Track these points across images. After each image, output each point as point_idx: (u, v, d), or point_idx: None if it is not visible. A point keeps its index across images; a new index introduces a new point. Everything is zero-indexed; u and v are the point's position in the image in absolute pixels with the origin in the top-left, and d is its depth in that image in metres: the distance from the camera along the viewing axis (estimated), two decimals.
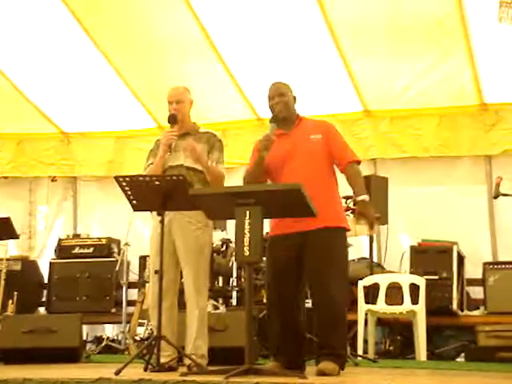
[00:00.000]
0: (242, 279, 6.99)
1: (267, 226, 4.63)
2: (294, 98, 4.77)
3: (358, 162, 4.73)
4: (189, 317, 4.78)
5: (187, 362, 4.67)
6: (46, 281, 8.34)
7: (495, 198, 6.23)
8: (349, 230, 4.73)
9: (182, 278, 4.91)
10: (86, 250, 8.23)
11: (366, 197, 4.58)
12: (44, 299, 8.34)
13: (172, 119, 4.94)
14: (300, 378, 3.89)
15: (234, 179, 7.44)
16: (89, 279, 8.07)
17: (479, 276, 7.26)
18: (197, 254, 4.80)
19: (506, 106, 7.52)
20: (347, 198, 6.19)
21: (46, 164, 8.91)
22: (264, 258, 4.73)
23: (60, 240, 8.41)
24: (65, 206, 9.13)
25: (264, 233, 4.23)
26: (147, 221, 7.14)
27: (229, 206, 4.18)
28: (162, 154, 4.89)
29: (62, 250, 8.31)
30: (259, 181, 4.66)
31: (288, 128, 4.69)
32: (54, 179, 9.01)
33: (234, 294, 7.14)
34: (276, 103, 4.68)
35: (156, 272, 4.62)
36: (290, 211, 4.27)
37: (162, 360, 4.56)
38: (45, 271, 8.41)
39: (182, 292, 4.91)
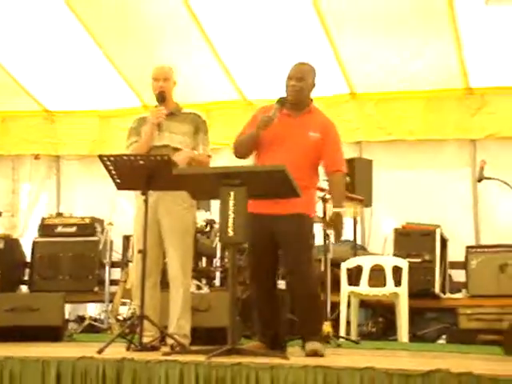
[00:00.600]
0: (226, 260, 6.99)
1: None
2: (313, 85, 4.67)
3: (345, 174, 4.76)
4: (173, 296, 4.78)
5: (170, 341, 4.67)
6: (28, 259, 8.31)
7: (479, 181, 6.26)
8: (312, 217, 4.75)
9: (164, 257, 4.91)
10: (69, 229, 8.18)
11: (341, 210, 4.62)
12: (26, 278, 8.31)
13: (161, 97, 4.89)
14: (281, 358, 3.90)
15: (220, 160, 7.45)
16: (72, 258, 8.03)
17: (462, 259, 7.29)
18: (182, 234, 4.80)
19: (492, 90, 7.55)
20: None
21: (29, 142, 8.86)
22: None
23: (43, 219, 8.35)
24: (48, 185, 9.08)
25: None
26: (131, 200, 7.12)
27: (213, 186, 4.18)
28: (149, 131, 4.85)
29: (45, 228, 8.26)
30: (247, 151, 4.67)
31: (295, 113, 4.63)
32: (37, 157, 8.94)
33: (218, 274, 7.14)
34: (291, 86, 4.59)
35: (140, 251, 4.61)
36: (275, 192, 4.28)
37: (145, 340, 4.55)
38: (27, 250, 8.37)
39: (164, 272, 4.91)
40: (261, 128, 4.51)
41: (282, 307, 4.75)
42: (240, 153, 4.70)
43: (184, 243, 4.81)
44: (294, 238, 4.51)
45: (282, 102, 4.58)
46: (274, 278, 4.69)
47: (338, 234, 4.72)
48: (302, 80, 4.60)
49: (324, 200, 5.62)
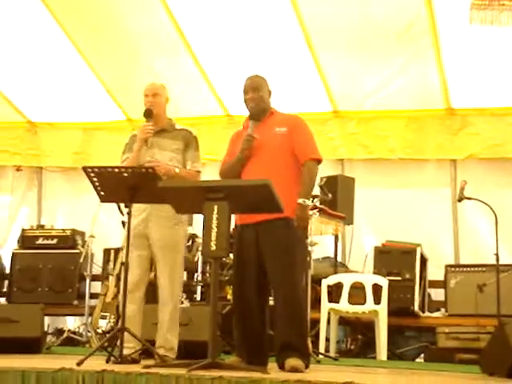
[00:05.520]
0: (207, 274, 7.00)
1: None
2: (269, 92, 4.74)
3: (318, 161, 4.65)
4: (162, 310, 4.81)
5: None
6: (7, 271, 8.25)
7: (459, 201, 6.36)
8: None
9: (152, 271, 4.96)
10: (49, 241, 8.15)
11: (304, 200, 4.48)
12: (5, 289, 8.25)
13: (147, 113, 4.92)
14: (262, 372, 3.90)
15: (204, 175, 7.44)
16: (52, 271, 8.00)
17: (441, 278, 7.35)
18: (171, 250, 4.83)
19: (473, 112, 7.64)
20: (313, 197, 6.22)
21: (11, 153, 8.82)
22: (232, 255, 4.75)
23: (23, 230, 8.32)
24: (29, 197, 9.05)
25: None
26: (112, 213, 7.13)
27: (197, 200, 4.19)
28: (137, 147, 4.87)
29: (25, 240, 8.23)
30: (236, 177, 4.64)
31: (258, 121, 4.66)
32: (19, 169, 8.92)
33: (199, 288, 7.14)
34: (249, 98, 4.66)
35: (122, 264, 4.62)
36: (258, 207, 4.29)
37: (126, 352, 4.55)
38: (7, 261, 8.31)
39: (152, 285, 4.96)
40: (246, 149, 4.54)
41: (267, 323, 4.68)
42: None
43: (173, 258, 4.84)
44: (279, 246, 4.44)
45: (255, 116, 4.63)
46: (260, 292, 4.54)
47: (301, 227, 4.48)
48: (259, 90, 4.66)
49: None
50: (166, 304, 4.79)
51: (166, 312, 4.78)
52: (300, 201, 4.48)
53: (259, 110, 4.67)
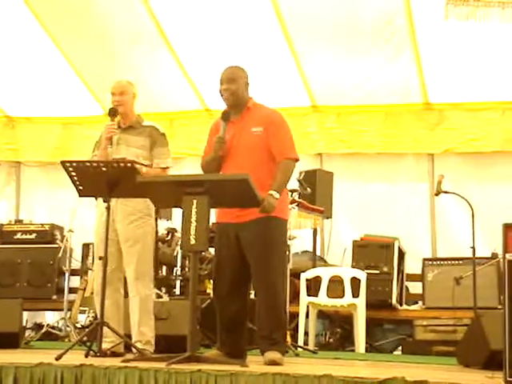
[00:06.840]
0: (186, 269, 7.01)
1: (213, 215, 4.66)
2: (247, 84, 4.65)
3: (294, 160, 4.62)
4: (130, 304, 4.84)
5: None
6: None
7: (437, 195, 6.42)
8: (285, 220, 4.68)
9: None
10: (28, 236, 8.12)
11: (274, 193, 4.41)
12: None
13: (112, 112, 4.92)
14: (241, 365, 3.93)
15: (183, 169, 7.48)
16: (30, 265, 7.96)
17: (418, 271, 7.40)
18: (137, 243, 4.84)
19: (450, 106, 7.70)
20: (292, 191, 6.26)
21: None
22: (211, 249, 4.76)
23: (1, 225, 8.27)
24: (7, 191, 9.00)
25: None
26: (91, 208, 7.11)
27: (176, 194, 4.20)
28: (103, 146, 4.89)
29: (4, 235, 8.18)
30: (216, 171, 4.62)
31: (235, 116, 4.61)
32: None
33: (178, 283, 7.14)
34: (224, 89, 4.58)
35: (100, 258, 4.63)
36: (237, 201, 4.31)
37: (106, 346, 4.57)
38: None
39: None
40: (218, 150, 4.52)
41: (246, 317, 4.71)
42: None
43: (139, 252, 4.85)
44: (258, 243, 4.45)
45: (226, 117, 4.56)
46: (240, 286, 4.57)
47: (261, 210, 4.37)
48: (233, 82, 4.57)
49: None
50: (132, 298, 4.83)
51: (133, 306, 4.82)
52: (273, 193, 4.41)
53: (233, 103, 4.60)
